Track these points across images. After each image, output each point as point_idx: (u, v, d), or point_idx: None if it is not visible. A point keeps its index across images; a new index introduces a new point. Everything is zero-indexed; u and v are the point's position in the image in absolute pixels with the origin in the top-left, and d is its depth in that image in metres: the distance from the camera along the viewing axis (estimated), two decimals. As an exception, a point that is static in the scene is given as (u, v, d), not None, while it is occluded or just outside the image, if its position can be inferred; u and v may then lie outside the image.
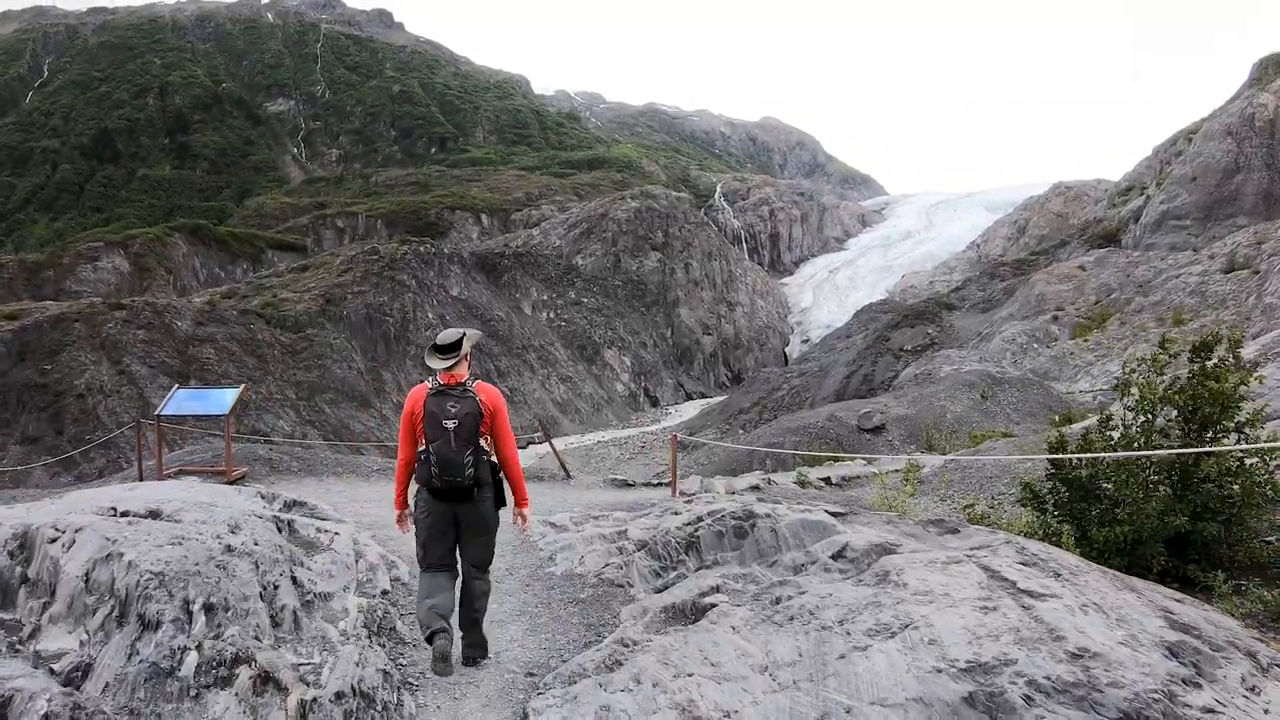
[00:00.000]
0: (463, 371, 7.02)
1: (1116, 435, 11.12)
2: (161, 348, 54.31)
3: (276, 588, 7.04)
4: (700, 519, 9.78)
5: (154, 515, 7.45)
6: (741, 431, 60.82)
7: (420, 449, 6.87)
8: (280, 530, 8.56)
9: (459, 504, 6.91)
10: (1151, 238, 67.14)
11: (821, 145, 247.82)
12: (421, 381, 7.11)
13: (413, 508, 7.21)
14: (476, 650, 7.26)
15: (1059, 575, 6.87)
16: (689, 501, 11.75)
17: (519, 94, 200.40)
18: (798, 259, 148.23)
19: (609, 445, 66.69)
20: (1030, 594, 6.39)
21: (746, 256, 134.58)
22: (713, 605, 7.68)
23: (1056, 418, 32.90)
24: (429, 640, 6.81)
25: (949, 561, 7.22)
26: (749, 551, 9.03)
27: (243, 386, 17.68)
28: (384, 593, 8.79)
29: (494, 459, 7.10)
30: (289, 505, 10.96)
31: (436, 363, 6.95)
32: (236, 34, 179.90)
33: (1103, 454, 10.57)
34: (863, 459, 26.57)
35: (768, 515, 9.33)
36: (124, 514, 7.36)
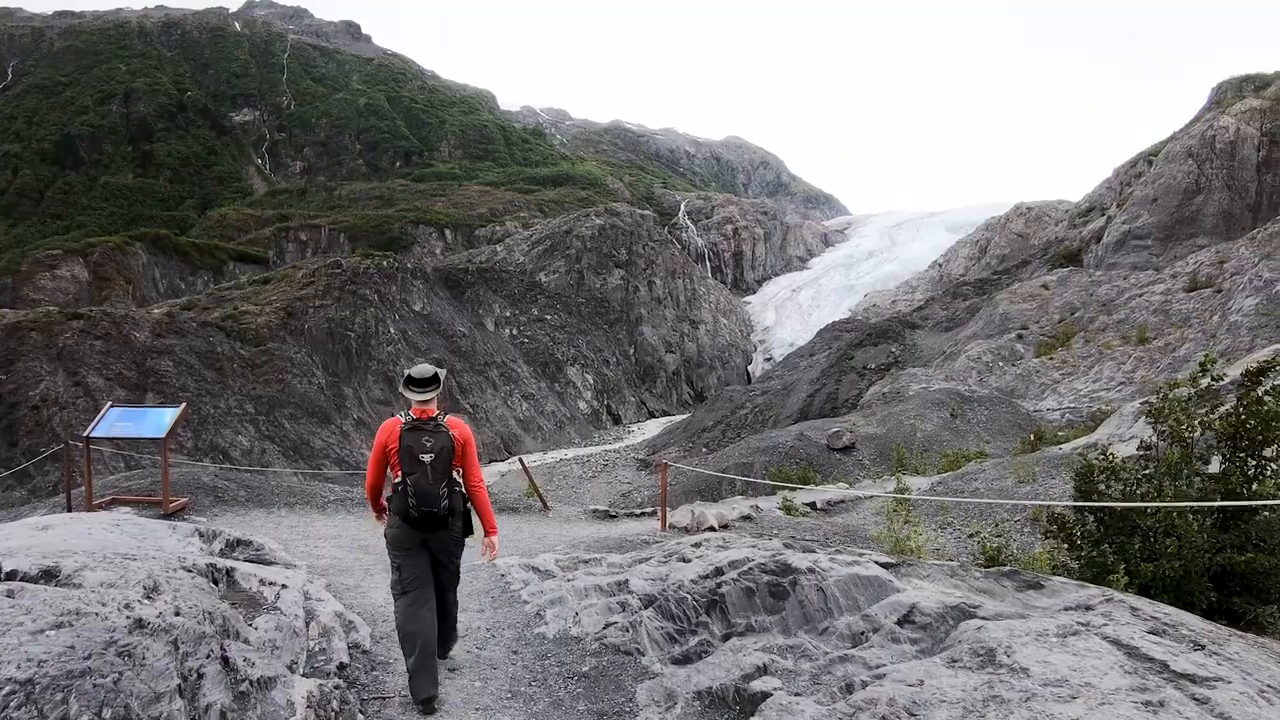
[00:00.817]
0: (434, 406, 7.46)
1: (1151, 466, 10.74)
2: (119, 359, 53.73)
3: (201, 676, 5.48)
4: (720, 571, 8.51)
5: (48, 576, 5.94)
6: (705, 450, 60.75)
7: (396, 480, 7.26)
8: (217, 582, 7.55)
9: (432, 532, 7.34)
10: (1113, 257, 67.92)
11: (785, 165, 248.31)
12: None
13: (386, 540, 7.57)
14: (449, 646, 8.14)
15: (1202, 647, 5.89)
16: (697, 545, 10.27)
17: (485, 109, 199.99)
18: (761, 278, 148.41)
19: (572, 463, 66.52)
20: (1191, 679, 5.28)
21: (710, 275, 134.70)
22: (766, 694, 6.38)
23: (1032, 436, 33.23)
24: (425, 702, 7.16)
25: (1064, 633, 5.97)
26: (791, 616, 7.67)
27: (182, 407, 16.06)
28: (340, 667, 7.38)
29: (462, 490, 7.53)
30: (231, 546, 10.20)
31: (415, 396, 7.38)
32: (203, 42, 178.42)
33: (1175, 504, 9.60)
34: (844, 484, 26.55)
35: (811, 570, 8.03)
36: (9, 575, 5.83)
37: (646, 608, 8.64)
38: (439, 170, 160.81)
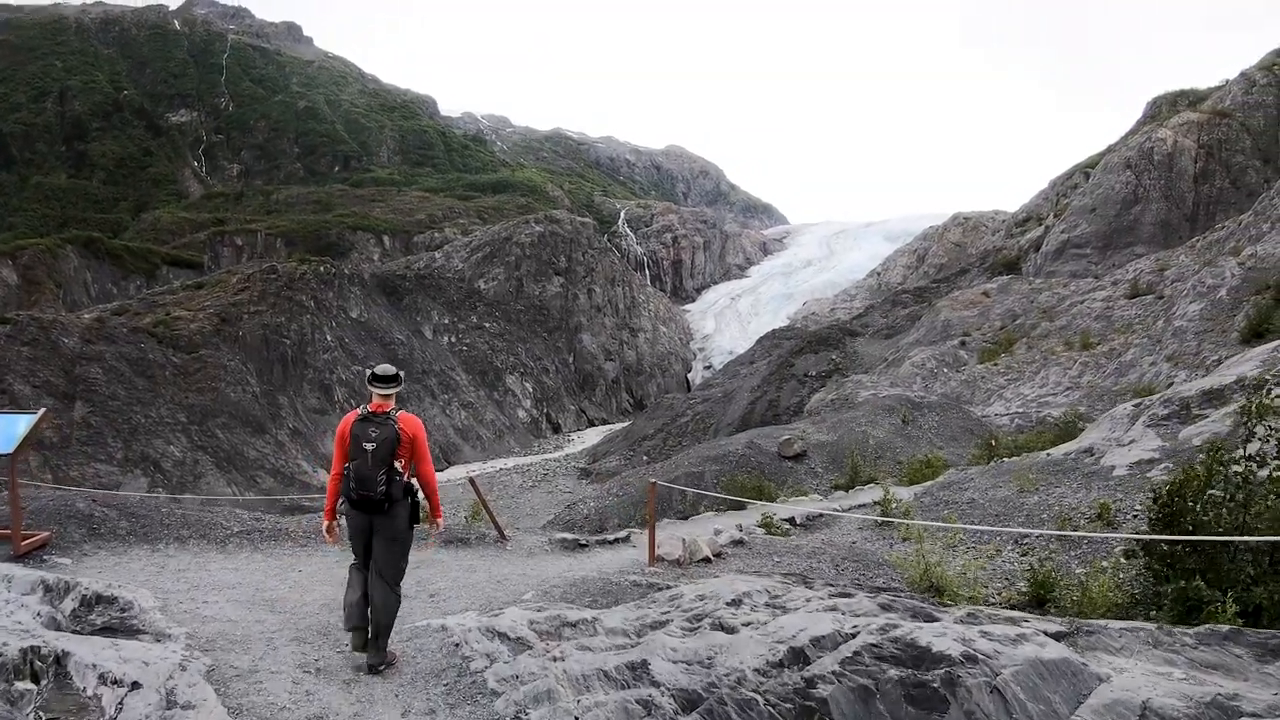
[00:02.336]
0: (389, 403, 8.15)
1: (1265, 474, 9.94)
2: (46, 366, 52.57)
3: None
4: (801, 655, 6.34)
5: None
6: (646, 458, 60.57)
7: (345, 466, 8.01)
8: (38, 679, 5.87)
9: (374, 514, 8.02)
10: (1052, 265, 68.91)
11: (725, 174, 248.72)
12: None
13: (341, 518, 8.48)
14: (375, 660, 8.14)
15: None
16: (734, 603, 8.35)
17: (426, 115, 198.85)
18: (700, 286, 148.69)
19: (511, 473, 66.07)
20: None
21: (649, 283, 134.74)
22: None
23: (993, 441, 33.17)
24: (349, 629, 8.26)
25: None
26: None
27: (40, 414, 12.45)
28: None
29: (409, 480, 8.18)
30: (88, 605, 8.00)
31: (376, 390, 8.14)
32: (141, 40, 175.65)
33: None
34: (816, 495, 25.90)
35: (969, 658, 5.87)
36: None
37: (687, 713, 6.18)
38: (378, 176, 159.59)
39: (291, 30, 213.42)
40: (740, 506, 23.96)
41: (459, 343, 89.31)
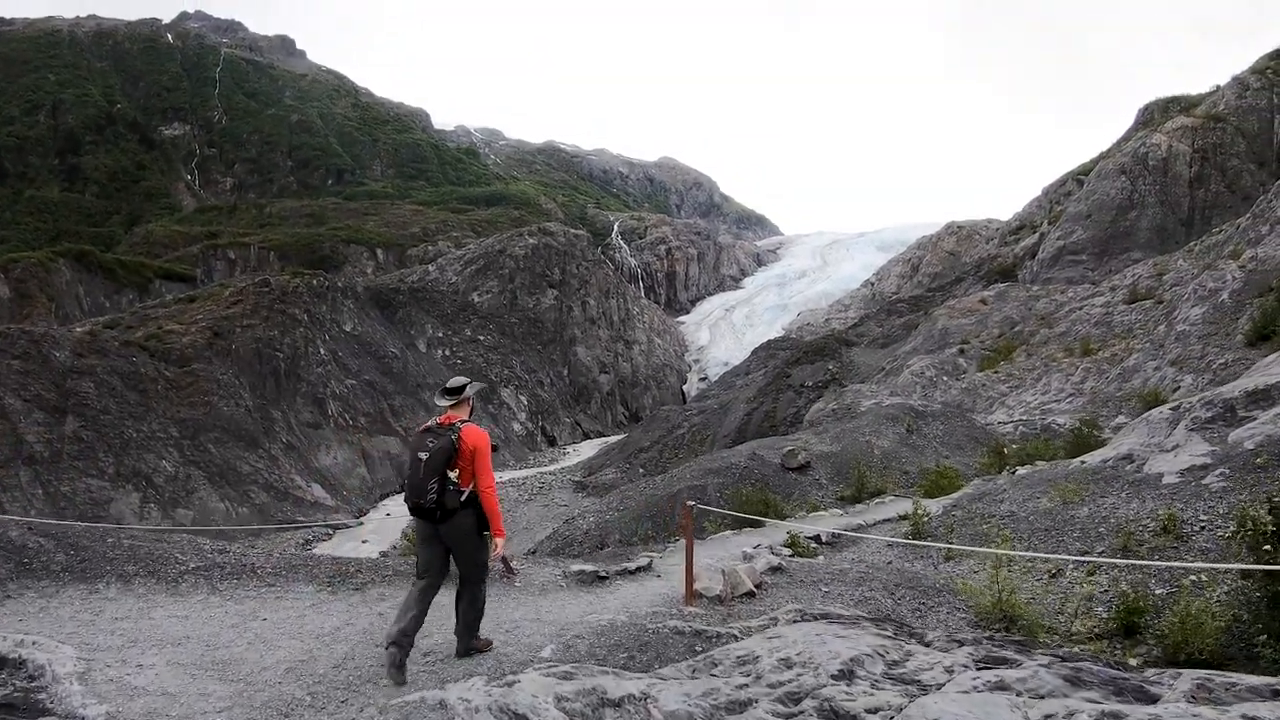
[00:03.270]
0: (457, 414, 8.39)
1: None
2: (38, 379, 52.11)
3: None
4: None
5: None
6: (643, 471, 60.32)
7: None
8: None
9: (436, 524, 8.16)
10: (1049, 272, 68.82)
11: (718, 185, 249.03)
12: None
13: None
14: (464, 647, 8.76)
15: None
16: (844, 679, 6.34)
17: (418, 128, 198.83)
18: (694, 297, 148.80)
19: (507, 486, 65.72)
20: None
21: (643, 295, 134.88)
22: None
23: (1004, 450, 32.70)
24: (385, 647, 8.13)
25: None
26: None
27: None
28: None
29: (469, 490, 8.19)
30: None
31: (442, 402, 8.44)
32: (135, 54, 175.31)
33: None
34: (837, 509, 24.91)
35: None
36: None
37: None
38: (371, 189, 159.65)
39: (285, 44, 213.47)
40: (755, 524, 23.30)
41: (453, 356, 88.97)
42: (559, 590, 13.15)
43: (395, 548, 17.12)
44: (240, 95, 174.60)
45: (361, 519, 59.64)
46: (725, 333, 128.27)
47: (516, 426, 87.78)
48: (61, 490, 47.15)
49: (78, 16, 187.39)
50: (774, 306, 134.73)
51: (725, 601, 11.98)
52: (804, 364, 69.04)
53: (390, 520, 58.84)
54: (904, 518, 19.45)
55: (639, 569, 14.62)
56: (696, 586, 12.11)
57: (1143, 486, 16.81)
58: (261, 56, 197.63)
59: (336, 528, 56.30)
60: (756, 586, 12.76)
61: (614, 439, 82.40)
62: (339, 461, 65.94)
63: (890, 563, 15.73)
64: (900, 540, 17.09)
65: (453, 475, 8.06)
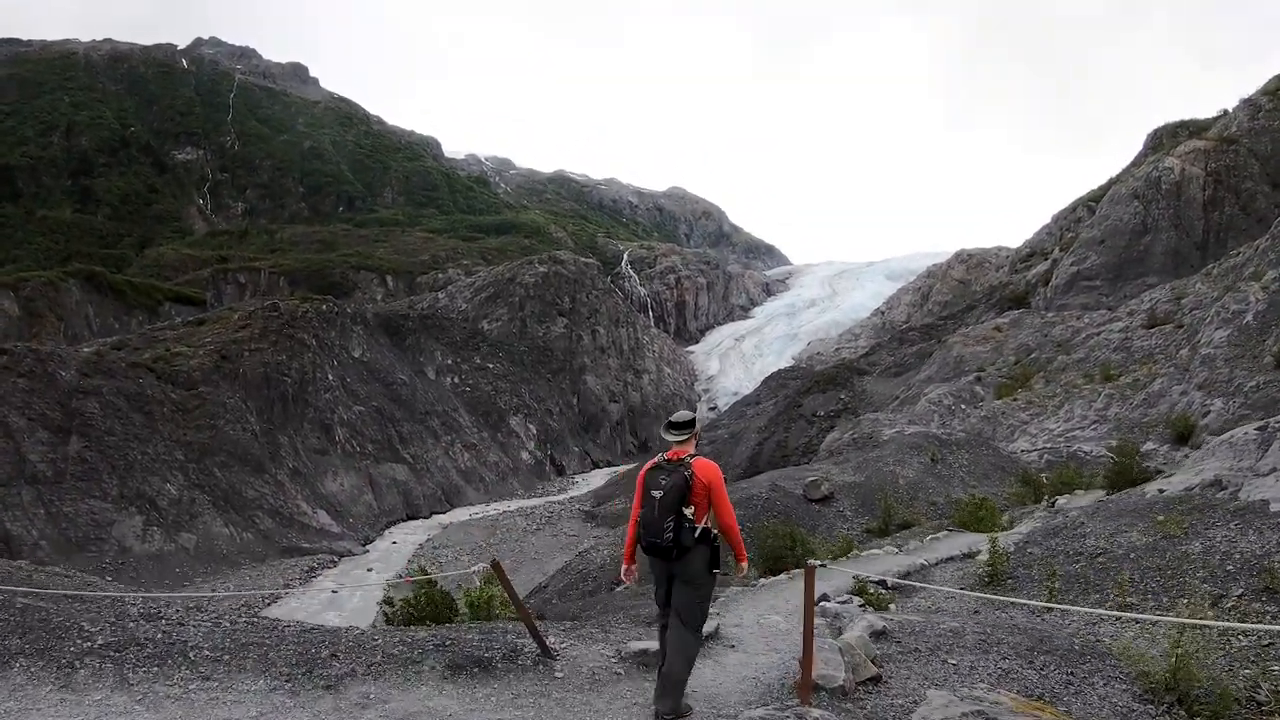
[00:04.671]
0: (685, 449, 8.11)
1: None
2: (42, 399, 51.54)
3: None
4: None
5: None
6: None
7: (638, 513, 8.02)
8: None
9: (670, 561, 7.92)
10: (1063, 299, 68.11)
11: (727, 215, 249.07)
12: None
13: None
14: (667, 709, 7.87)
15: None
16: None
17: (429, 156, 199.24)
18: (703, 327, 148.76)
19: (515, 516, 65.42)
20: None
21: (653, 324, 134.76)
22: None
23: (1043, 479, 31.78)
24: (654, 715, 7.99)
25: None
26: None
27: None
28: None
29: (705, 527, 7.93)
30: None
31: (669, 438, 8.20)
32: (149, 78, 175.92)
33: None
34: (891, 545, 22.25)
35: None
36: None
37: None
38: (382, 216, 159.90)
39: (298, 71, 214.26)
40: (778, 571, 22.01)
41: (462, 383, 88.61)
42: (615, 680, 9.61)
43: (386, 615, 12.57)
44: (253, 121, 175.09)
45: (367, 547, 59.20)
46: (735, 362, 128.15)
47: (525, 455, 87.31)
48: (64, 511, 46.62)
49: (94, 40, 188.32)
50: (783, 336, 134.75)
51: (850, 693, 9.02)
52: (815, 393, 68.70)
53: (396, 548, 58.39)
54: (969, 556, 17.87)
55: (706, 637, 10.88)
56: (815, 675, 9.06)
57: (1250, 516, 14.75)
58: (274, 83, 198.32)
59: (342, 555, 55.82)
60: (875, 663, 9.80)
61: (623, 468, 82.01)
62: (345, 488, 65.44)
63: (977, 612, 13.51)
64: (1011, 598, 13.65)
65: (688, 512, 7.86)
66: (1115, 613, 11.32)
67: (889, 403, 62.49)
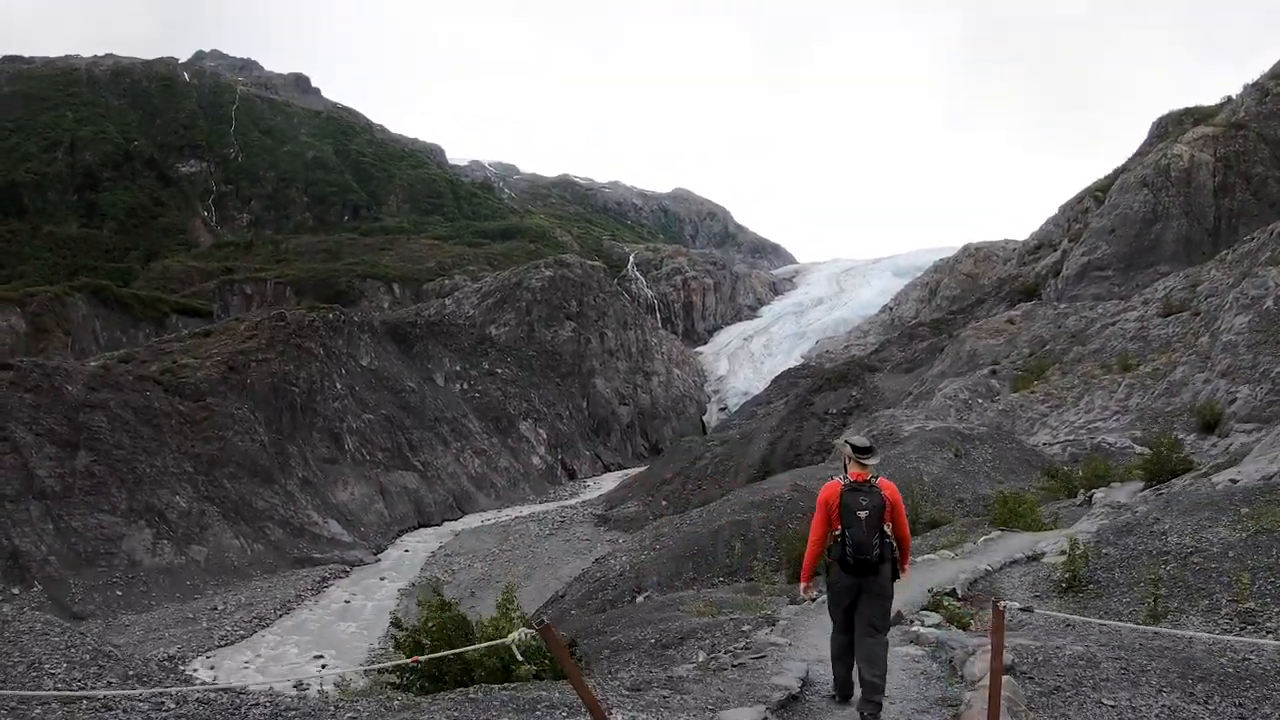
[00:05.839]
0: (868, 471, 8.55)
1: None
2: (49, 413, 51.16)
3: None
4: None
5: None
6: (665, 503, 59.58)
7: (835, 532, 8.45)
8: None
9: (864, 576, 8.41)
10: (1074, 290, 68.15)
11: (732, 215, 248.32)
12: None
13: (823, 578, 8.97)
14: (873, 707, 8.28)
15: None
16: None
17: (433, 163, 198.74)
18: (711, 328, 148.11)
19: (528, 521, 65.08)
20: None
21: (661, 326, 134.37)
22: None
23: (1079, 472, 31.21)
24: (844, 699, 8.87)
25: None
26: None
27: None
28: None
29: (892, 541, 8.53)
30: None
31: (860, 460, 8.58)
32: (152, 92, 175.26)
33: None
34: (946, 549, 20.56)
35: None
36: None
37: None
38: (387, 224, 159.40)
39: (299, 81, 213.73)
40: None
41: (471, 389, 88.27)
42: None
43: (395, 640, 10.89)
44: (256, 132, 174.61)
45: (379, 556, 58.79)
46: (744, 362, 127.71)
47: (536, 460, 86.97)
48: (73, 526, 46.26)
49: (95, 55, 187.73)
50: (792, 335, 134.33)
51: None
52: (826, 391, 68.49)
53: (408, 557, 58.00)
54: (1034, 558, 16.75)
55: (799, 688, 9.40)
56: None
57: (1353, 509, 13.54)
58: (277, 94, 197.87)
59: (354, 565, 55.40)
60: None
61: (635, 471, 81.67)
62: (356, 497, 65.08)
63: (1070, 625, 11.68)
64: (1172, 629, 10.98)
65: (887, 529, 8.44)
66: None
67: (902, 399, 62.22)
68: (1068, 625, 11.84)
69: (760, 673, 10.11)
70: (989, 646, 8.90)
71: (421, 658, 10.30)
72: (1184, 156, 67.34)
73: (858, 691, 8.66)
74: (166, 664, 21.16)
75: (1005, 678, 8.32)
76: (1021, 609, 8.49)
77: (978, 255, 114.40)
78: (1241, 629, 10.82)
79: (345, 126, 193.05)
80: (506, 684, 9.71)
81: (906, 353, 77.97)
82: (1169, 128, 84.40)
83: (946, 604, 13.79)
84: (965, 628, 12.33)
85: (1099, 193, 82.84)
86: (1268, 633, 10.58)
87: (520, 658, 9.13)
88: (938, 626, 11.82)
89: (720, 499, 42.97)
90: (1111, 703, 8.50)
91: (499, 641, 8.60)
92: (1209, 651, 9.85)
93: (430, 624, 11.95)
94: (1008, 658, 9.07)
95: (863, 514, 8.29)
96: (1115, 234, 68.47)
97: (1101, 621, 10.03)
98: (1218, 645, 10.12)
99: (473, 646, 9.29)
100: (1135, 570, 13.49)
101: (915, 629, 11.88)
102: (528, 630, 8.54)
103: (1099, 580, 13.71)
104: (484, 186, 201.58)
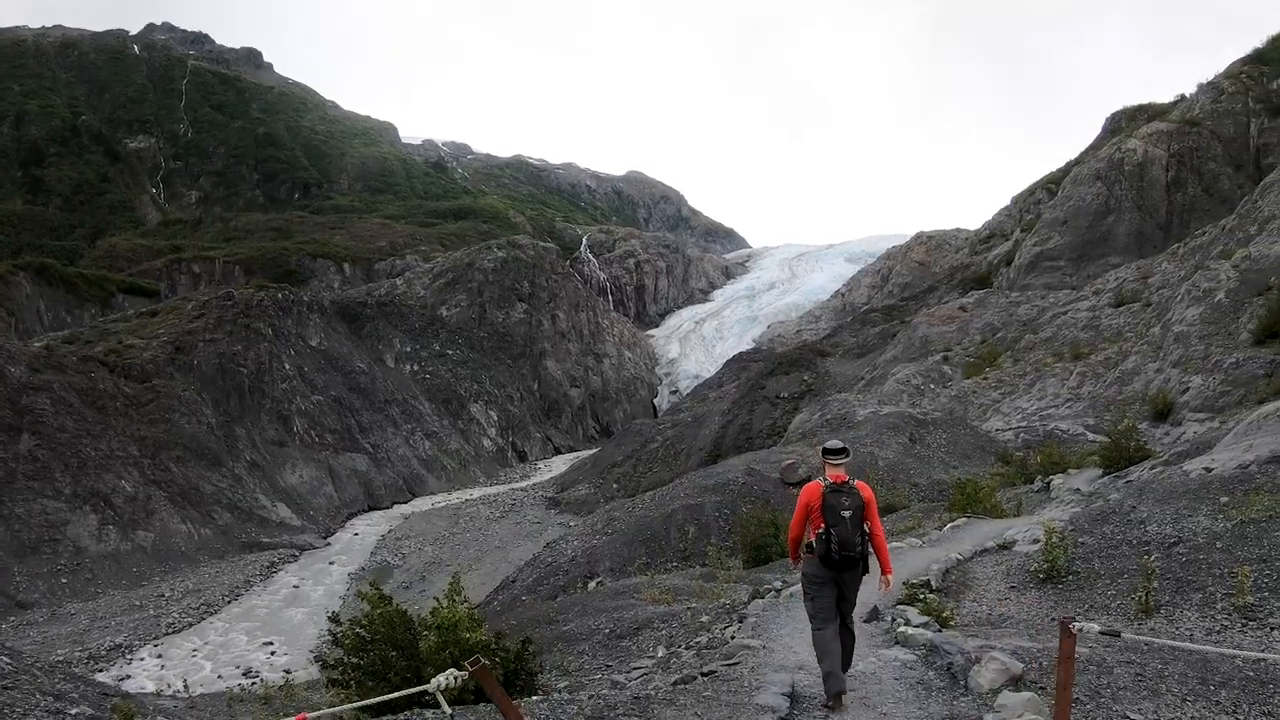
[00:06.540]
0: (845, 472, 9.14)
1: None
2: (-9, 396, 50.56)
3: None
4: None
5: None
6: (616, 486, 59.67)
7: (819, 530, 8.96)
8: None
9: (845, 571, 9.03)
10: (1026, 279, 69.40)
11: (686, 199, 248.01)
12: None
13: (802, 577, 9.44)
14: (848, 664, 9.24)
15: None
16: None
17: (386, 141, 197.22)
18: (663, 311, 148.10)
19: (478, 504, 64.93)
20: None
21: (613, 308, 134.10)
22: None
23: (1038, 459, 31.44)
24: (837, 699, 8.82)
25: None
26: None
27: None
28: None
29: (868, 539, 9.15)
30: None
31: (833, 461, 9.15)
32: (100, 65, 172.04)
33: None
34: (914, 537, 20.25)
35: None
36: None
37: None
38: (338, 203, 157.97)
39: (252, 56, 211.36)
40: (762, 561, 20.85)
41: (421, 371, 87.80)
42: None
43: (334, 636, 10.36)
44: (206, 108, 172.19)
45: (329, 539, 58.47)
46: (695, 345, 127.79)
47: (487, 442, 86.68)
48: (16, 512, 45.61)
49: (43, 27, 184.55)
50: (744, 319, 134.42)
51: None
52: (778, 375, 68.74)
53: (358, 540, 57.72)
54: (1005, 546, 16.35)
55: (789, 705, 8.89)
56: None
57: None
58: (228, 69, 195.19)
59: (303, 549, 55.03)
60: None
61: (586, 454, 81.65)
62: (305, 480, 64.60)
63: (1055, 619, 10.17)
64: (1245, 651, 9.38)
65: (866, 527, 9.04)
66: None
67: (854, 383, 62.61)
68: (1051, 620, 11.46)
69: (738, 687, 9.36)
70: (994, 653, 9.23)
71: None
72: (1138, 151, 68.44)
73: (846, 685, 9.03)
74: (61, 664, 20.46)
75: (1025, 694, 8.20)
76: (1103, 632, 7.46)
77: (930, 243, 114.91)
78: (1244, 625, 10.53)
79: (297, 103, 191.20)
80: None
81: (859, 338, 78.34)
82: (1123, 123, 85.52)
83: (924, 597, 12.99)
84: (947, 623, 11.76)
85: (1051, 184, 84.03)
86: (1273, 628, 10.22)
87: (448, 710, 7.65)
88: (925, 626, 11.09)
89: (673, 482, 43.01)
90: (1138, 716, 7.95)
91: (418, 689, 7.77)
92: (1221, 653, 9.22)
93: (373, 618, 11.44)
94: (1009, 664, 8.93)
95: (846, 514, 8.87)
96: (1068, 225, 69.53)
97: (1194, 647, 9.02)
98: (1231, 646, 9.81)
99: (387, 696, 8.17)
100: (1117, 561, 13.15)
101: (902, 629, 11.15)
102: (457, 673, 6.99)
103: (1079, 571, 13.28)
104: (437, 166, 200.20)
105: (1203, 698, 8.23)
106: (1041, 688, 8.51)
